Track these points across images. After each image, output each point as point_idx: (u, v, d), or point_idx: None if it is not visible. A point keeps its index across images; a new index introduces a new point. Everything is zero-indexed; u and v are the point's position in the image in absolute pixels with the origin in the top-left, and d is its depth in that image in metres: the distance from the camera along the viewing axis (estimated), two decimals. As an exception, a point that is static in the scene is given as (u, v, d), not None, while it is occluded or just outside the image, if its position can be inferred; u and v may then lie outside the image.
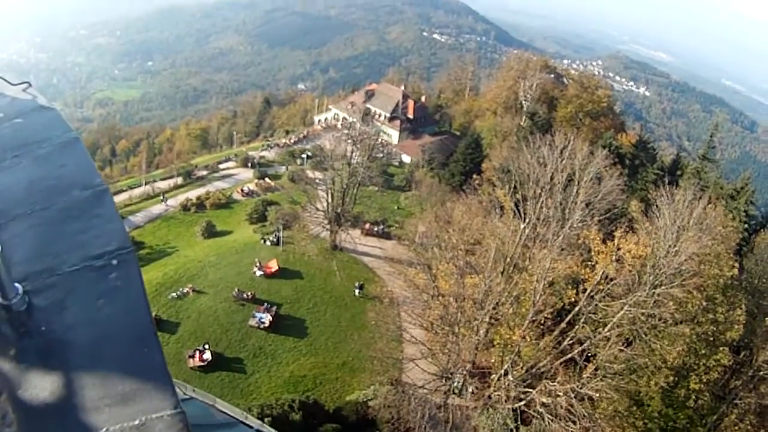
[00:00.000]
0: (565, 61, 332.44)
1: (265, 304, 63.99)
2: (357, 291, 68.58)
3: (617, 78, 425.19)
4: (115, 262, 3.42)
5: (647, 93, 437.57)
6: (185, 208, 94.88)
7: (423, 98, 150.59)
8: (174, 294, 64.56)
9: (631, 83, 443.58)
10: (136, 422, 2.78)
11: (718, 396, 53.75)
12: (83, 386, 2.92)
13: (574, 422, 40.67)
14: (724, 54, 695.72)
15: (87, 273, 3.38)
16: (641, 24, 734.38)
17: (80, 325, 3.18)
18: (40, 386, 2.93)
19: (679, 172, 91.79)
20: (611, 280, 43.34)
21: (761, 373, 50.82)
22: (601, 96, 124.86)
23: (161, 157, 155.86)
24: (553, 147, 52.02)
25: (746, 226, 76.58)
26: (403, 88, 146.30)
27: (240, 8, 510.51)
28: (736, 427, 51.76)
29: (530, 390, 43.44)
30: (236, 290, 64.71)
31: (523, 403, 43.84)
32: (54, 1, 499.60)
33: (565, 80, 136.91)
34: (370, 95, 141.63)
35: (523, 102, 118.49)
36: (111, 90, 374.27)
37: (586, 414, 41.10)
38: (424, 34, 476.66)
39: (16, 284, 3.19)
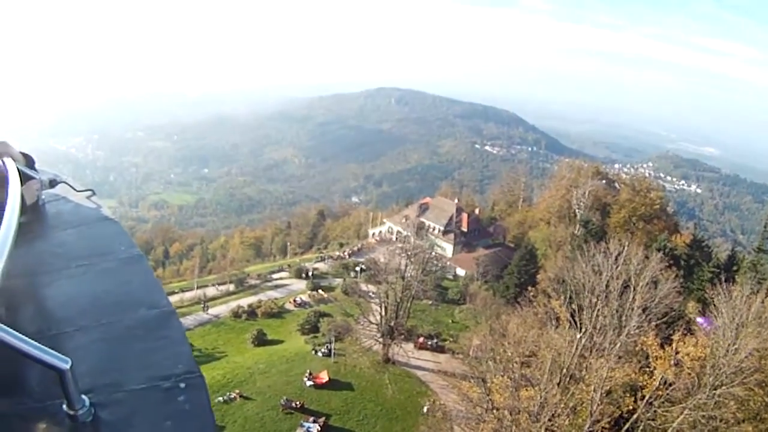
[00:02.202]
0: (616, 166, 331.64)
1: (314, 415, 62.85)
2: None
3: (668, 178, 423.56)
4: (183, 385, 3.27)
5: (699, 190, 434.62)
6: (236, 315, 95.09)
7: (476, 211, 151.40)
8: (221, 398, 64.00)
9: (683, 182, 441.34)
10: None
11: None
12: None
13: None
14: None
15: (154, 393, 3.24)
16: (688, 120, 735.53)
17: None
18: None
19: (735, 268, 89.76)
20: (670, 384, 42.12)
21: None
22: (654, 198, 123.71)
23: (214, 263, 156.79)
24: (608, 254, 51.26)
25: None
26: (456, 201, 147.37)
27: (294, 121, 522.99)
28: None
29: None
30: (284, 399, 63.98)
31: None
32: (113, 100, 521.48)
33: (617, 185, 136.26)
34: (424, 209, 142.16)
35: (577, 210, 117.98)
36: (166, 193, 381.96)
37: None
38: (476, 146, 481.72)
39: (83, 396, 3.04)
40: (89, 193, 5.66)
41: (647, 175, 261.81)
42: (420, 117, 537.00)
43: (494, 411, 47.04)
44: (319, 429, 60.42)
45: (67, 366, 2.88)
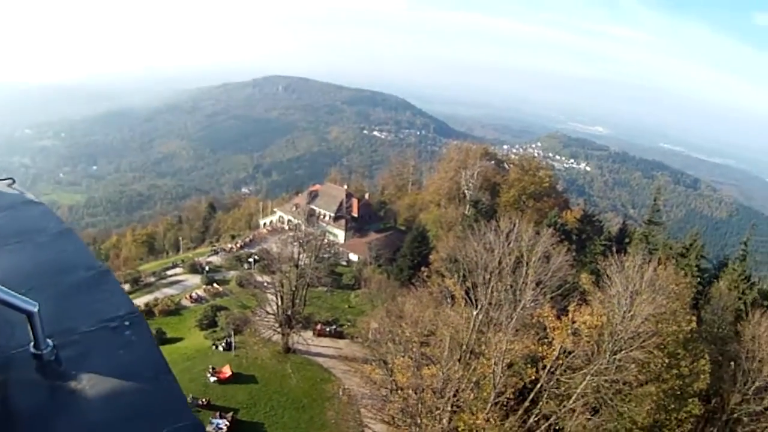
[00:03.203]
0: (505, 147, 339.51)
1: (222, 411, 62.28)
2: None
3: (557, 157, 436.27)
4: (127, 323, 3.90)
5: (588, 168, 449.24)
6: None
7: (367, 196, 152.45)
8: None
9: (572, 161, 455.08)
10: None
11: None
12: (110, 419, 3.29)
13: None
14: (661, 118, 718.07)
15: (104, 332, 3.86)
16: (580, 103, 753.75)
17: (104, 369, 3.56)
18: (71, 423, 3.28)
19: (627, 240, 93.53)
20: (570, 353, 43.18)
21: (734, 416, 52.28)
22: (543, 177, 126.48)
23: (108, 263, 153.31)
24: (499, 232, 52.18)
25: (700, 279, 77.51)
26: (346, 187, 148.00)
27: (182, 113, 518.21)
28: None
29: (504, 471, 42.61)
30: (190, 397, 62.65)
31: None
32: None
33: (506, 165, 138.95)
34: (313, 196, 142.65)
35: (466, 191, 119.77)
36: (56, 194, 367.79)
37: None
38: (364, 132, 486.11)
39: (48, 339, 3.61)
40: (9, 181, 6.25)
41: (536, 155, 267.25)
42: (308, 104, 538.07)
43: (399, 391, 47.47)
44: (228, 424, 59.85)
45: (35, 308, 3.41)
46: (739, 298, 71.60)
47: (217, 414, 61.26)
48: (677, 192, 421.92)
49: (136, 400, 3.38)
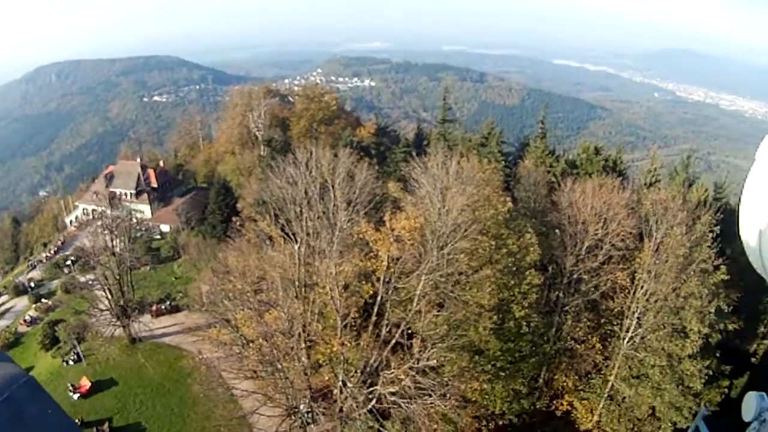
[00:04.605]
0: (287, 81, 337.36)
1: (95, 426, 60.97)
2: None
3: (341, 79, 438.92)
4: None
5: (373, 83, 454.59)
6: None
7: (161, 163, 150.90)
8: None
9: (355, 79, 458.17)
10: None
11: (548, 311, 58.27)
12: None
13: (429, 395, 41.51)
14: (438, 21, 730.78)
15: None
16: (352, 22, 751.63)
17: None
18: None
19: (425, 142, 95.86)
20: (398, 259, 44.29)
21: (574, 276, 55.75)
22: (329, 101, 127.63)
23: None
24: (298, 163, 52.42)
25: (505, 163, 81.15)
26: (139, 160, 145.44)
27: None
28: (577, 328, 56.85)
29: (375, 387, 43.93)
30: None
31: (374, 401, 44.26)
32: None
33: (290, 99, 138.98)
34: (110, 178, 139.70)
35: (257, 133, 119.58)
36: None
37: (434, 383, 42.06)
38: (144, 100, 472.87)
39: None
40: None
41: (319, 81, 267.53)
42: (83, 87, 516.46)
43: (250, 344, 47.70)
44: (107, 435, 58.57)
45: None
46: (548, 172, 76.38)
47: (94, 430, 60.08)
48: (465, 88, 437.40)
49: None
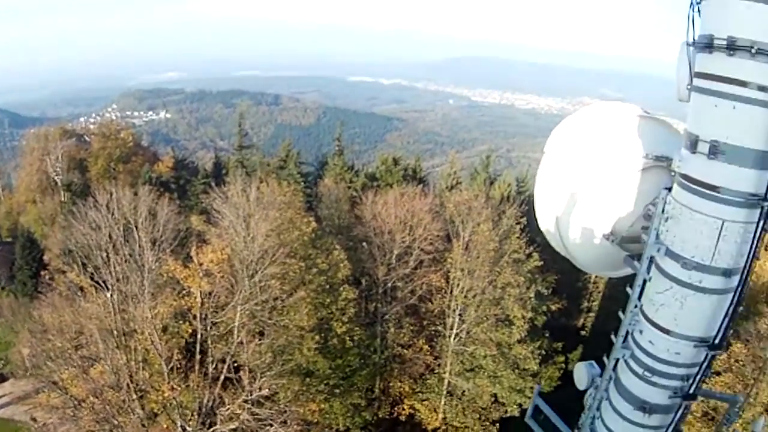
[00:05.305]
0: (82, 119, 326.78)
1: None
2: None
3: (135, 113, 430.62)
4: None
5: (168, 115, 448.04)
6: None
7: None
8: None
9: (150, 113, 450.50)
10: None
11: (369, 323, 58.82)
12: None
13: (270, 425, 41.54)
14: (229, 46, 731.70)
15: None
16: (144, 53, 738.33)
17: None
18: None
19: (224, 171, 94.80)
20: (211, 294, 43.69)
21: (389, 285, 57.01)
22: (125, 137, 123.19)
23: None
24: (99, 206, 50.60)
25: (306, 183, 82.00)
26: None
27: None
28: (401, 334, 57.85)
29: (215, 427, 43.16)
30: None
31: (216, 440, 43.42)
32: None
33: (86, 138, 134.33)
34: None
35: (56, 178, 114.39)
36: None
37: (272, 412, 42.04)
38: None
39: None
40: None
41: (114, 117, 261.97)
42: None
43: (82, 404, 46.05)
44: None
45: None
46: (349, 187, 77.03)
47: None
48: (261, 112, 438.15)
49: None
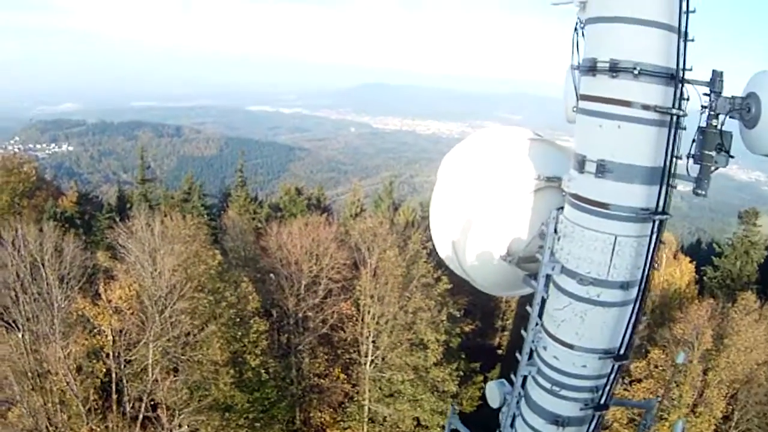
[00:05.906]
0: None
1: None
2: None
3: (38, 146, 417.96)
4: None
5: (71, 147, 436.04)
6: None
7: None
8: None
9: (53, 145, 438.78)
10: None
11: (283, 354, 58.52)
12: None
13: None
14: (123, 77, 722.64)
15: None
16: (40, 83, 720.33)
17: None
18: None
19: (128, 205, 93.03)
20: (122, 331, 43.19)
21: (300, 315, 56.97)
22: (28, 171, 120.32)
23: None
24: (5, 244, 49.35)
25: (210, 216, 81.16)
26: None
27: None
28: (316, 364, 58.13)
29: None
30: None
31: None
32: None
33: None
34: None
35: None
36: None
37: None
38: None
39: None
40: None
41: (17, 150, 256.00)
42: None
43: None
44: None
45: None
46: (253, 218, 77.67)
47: None
48: (163, 144, 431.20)
49: None
